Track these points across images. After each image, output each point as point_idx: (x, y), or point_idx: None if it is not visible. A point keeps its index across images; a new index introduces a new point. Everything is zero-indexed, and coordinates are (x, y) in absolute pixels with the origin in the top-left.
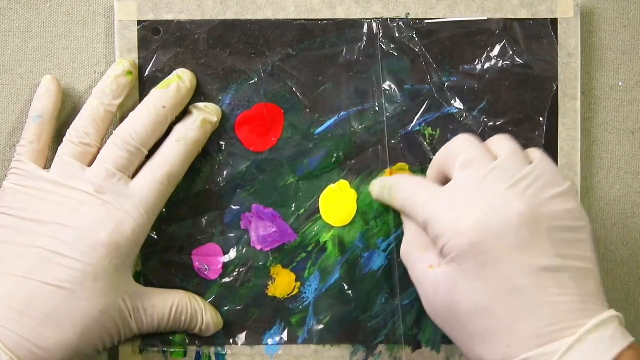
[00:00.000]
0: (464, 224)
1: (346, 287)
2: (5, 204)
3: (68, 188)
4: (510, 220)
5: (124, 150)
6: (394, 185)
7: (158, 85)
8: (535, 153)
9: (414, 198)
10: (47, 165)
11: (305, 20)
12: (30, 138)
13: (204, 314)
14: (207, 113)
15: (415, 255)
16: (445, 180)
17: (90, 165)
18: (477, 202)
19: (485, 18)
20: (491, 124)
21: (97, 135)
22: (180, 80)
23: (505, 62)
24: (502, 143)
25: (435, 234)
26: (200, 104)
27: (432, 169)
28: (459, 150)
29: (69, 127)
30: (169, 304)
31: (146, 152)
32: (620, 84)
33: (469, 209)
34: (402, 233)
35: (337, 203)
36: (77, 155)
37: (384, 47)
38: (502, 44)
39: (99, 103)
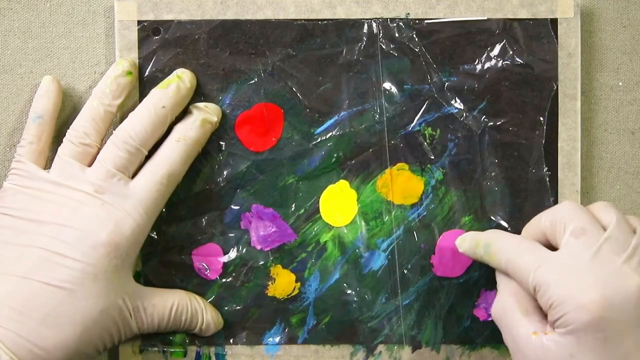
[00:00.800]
0: (588, 299)
1: (346, 287)
2: (6, 205)
3: (68, 188)
4: (631, 297)
5: (123, 150)
6: (493, 244)
7: (158, 85)
8: (634, 220)
9: (521, 261)
10: (48, 165)
11: (305, 20)
12: (30, 139)
13: (204, 313)
14: (207, 113)
15: (515, 317)
16: (544, 244)
17: (90, 165)
18: (596, 275)
19: (485, 18)
20: (491, 123)
21: (96, 135)
22: (180, 80)
23: (505, 62)
24: (607, 211)
25: (549, 303)
26: (200, 104)
27: (531, 231)
28: (569, 218)
29: (68, 128)
30: (169, 304)
31: (146, 152)
32: (620, 84)
33: (589, 282)
34: (402, 233)
35: (337, 203)
36: (77, 155)
37: (384, 47)
38: (502, 44)
39: (99, 103)
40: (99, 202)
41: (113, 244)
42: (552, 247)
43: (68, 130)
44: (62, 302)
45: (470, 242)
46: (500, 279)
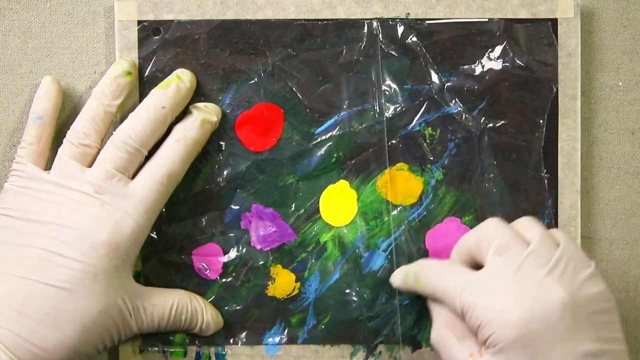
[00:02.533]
0: (511, 316)
1: (346, 287)
2: (6, 206)
3: (68, 189)
4: (554, 309)
5: (123, 150)
6: (421, 270)
7: (158, 86)
8: (558, 234)
9: (448, 284)
10: (48, 166)
11: (305, 20)
12: (30, 140)
13: (204, 313)
14: (206, 113)
15: (452, 343)
16: (472, 264)
17: (90, 166)
18: (519, 291)
19: (486, 19)
20: (491, 125)
21: (96, 136)
22: (180, 80)
23: (505, 64)
24: (531, 227)
25: (476, 324)
26: (200, 104)
27: (458, 252)
28: (492, 235)
29: (68, 128)
30: (169, 303)
31: (145, 153)
32: (620, 84)
33: (512, 298)
34: (402, 233)
35: (337, 203)
36: (77, 156)
37: (384, 47)
38: (502, 45)
39: (99, 104)
40: (99, 202)
41: (113, 244)
42: (480, 266)
43: (68, 131)
44: (61, 302)
45: (401, 275)
46: (432, 307)
